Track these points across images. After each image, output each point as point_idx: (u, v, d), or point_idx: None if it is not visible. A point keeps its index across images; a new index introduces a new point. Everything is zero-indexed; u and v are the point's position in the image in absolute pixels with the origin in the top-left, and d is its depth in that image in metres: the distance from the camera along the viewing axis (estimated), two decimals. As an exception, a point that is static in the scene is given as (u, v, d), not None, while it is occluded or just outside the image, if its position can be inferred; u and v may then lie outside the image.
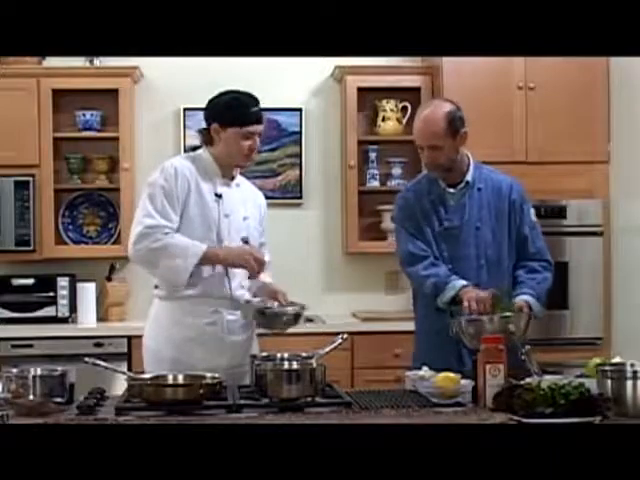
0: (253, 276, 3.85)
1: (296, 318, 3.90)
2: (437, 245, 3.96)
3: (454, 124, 3.89)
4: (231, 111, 3.81)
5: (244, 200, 3.98)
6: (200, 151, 3.95)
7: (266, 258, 4.03)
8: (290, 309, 3.89)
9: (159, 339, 3.87)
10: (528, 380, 3.18)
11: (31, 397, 3.16)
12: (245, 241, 3.89)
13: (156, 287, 3.91)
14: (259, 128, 3.85)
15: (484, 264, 3.95)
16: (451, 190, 3.99)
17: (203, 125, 3.93)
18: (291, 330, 4.22)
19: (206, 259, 3.75)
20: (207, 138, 3.89)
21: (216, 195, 3.85)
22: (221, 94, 3.89)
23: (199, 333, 3.81)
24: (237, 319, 3.88)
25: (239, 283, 3.88)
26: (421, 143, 3.93)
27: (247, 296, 3.92)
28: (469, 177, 3.99)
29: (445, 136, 3.87)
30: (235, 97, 3.85)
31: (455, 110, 3.93)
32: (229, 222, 3.87)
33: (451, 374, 3.31)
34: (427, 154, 3.92)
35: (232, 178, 3.95)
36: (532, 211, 4.05)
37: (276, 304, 3.90)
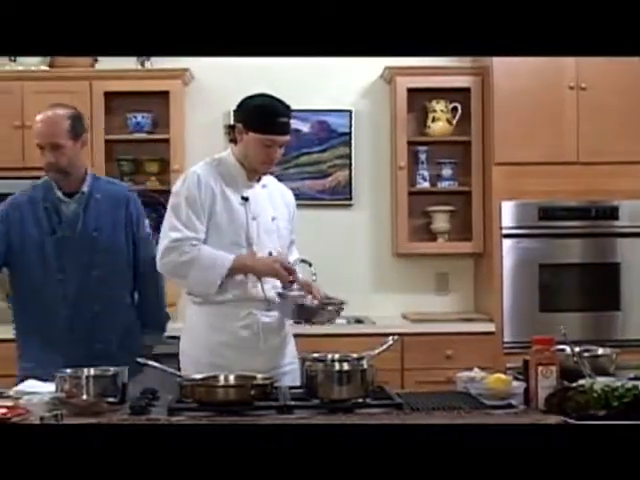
0: (285, 285, 3.79)
1: (338, 313, 3.83)
2: (47, 254, 4.04)
3: (76, 126, 4.01)
4: (256, 116, 3.75)
5: (272, 200, 3.93)
6: (225, 154, 3.92)
7: (295, 255, 4.04)
8: (330, 308, 3.80)
9: (195, 345, 3.85)
10: (581, 382, 3.16)
11: (84, 397, 3.20)
12: (270, 254, 3.84)
13: (189, 293, 3.90)
14: (281, 139, 3.77)
15: (98, 274, 4.05)
16: (67, 199, 4.07)
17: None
18: (342, 331, 4.25)
19: (235, 269, 3.72)
20: (233, 136, 3.86)
21: (242, 198, 3.81)
22: (254, 96, 3.83)
23: (234, 337, 3.78)
24: (272, 321, 3.84)
25: (272, 284, 3.82)
26: (42, 141, 3.97)
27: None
28: (86, 187, 4.08)
29: (67, 136, 3.97)
30: (264, 103, 3.78)
31: (77, 114, 4.07)
32: (257, 224, 3.83)
33: (502, 375, 3.30)
34: (48, 154, 3.96)
35: (258, 179, 3.91)
36: (146, 222, 4.23)
37: (311, 297, 3.79)
